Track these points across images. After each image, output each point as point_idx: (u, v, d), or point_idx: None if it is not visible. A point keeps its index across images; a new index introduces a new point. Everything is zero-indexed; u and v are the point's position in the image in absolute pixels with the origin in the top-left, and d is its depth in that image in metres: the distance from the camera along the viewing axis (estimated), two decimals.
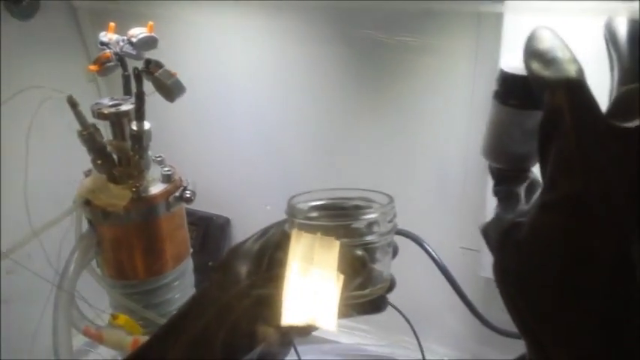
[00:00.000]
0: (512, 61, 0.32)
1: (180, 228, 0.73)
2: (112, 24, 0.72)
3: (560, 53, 0.28)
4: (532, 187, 0.34)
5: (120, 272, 0.72)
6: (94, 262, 0.74)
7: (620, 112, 0.27)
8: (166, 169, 0.71)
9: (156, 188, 0.69)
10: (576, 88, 0.27)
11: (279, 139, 0.93)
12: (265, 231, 0.45)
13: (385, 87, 0.80)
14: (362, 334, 0.97)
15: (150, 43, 0.69)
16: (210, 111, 0.95)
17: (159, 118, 0.68)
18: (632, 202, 0.25)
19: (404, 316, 0.84)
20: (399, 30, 0.74)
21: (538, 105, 0.28)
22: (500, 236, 0.31)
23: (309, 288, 0.38)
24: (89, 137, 0.66)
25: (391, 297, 0.85)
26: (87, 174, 0.72)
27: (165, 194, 0.69)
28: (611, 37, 0.31)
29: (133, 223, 0.68)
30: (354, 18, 0.77)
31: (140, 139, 0.66)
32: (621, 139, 0.26)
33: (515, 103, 0.32)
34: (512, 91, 0.32)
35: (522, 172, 0.35)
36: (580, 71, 0.27)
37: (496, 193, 0.36)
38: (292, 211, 0.42)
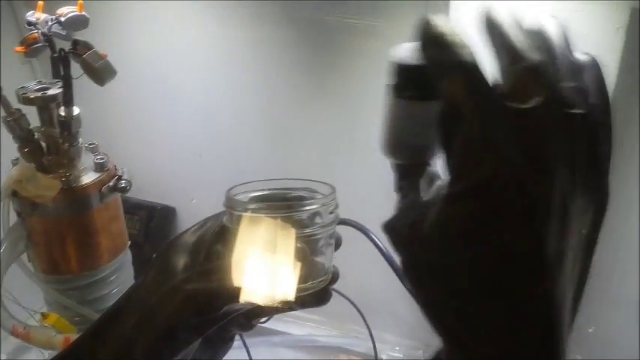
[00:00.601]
0: (405, 52, 0.30)
1: (116, 219, 0.70)
2: (40, 2, 0.67)
3: (455, 38, 0.27)
4: (431, 180, 0.33)
5: (52, 267, 0.68)
6: (25, 257, 0.70)
7: (513, 93, 0.26)
8: (99, 157, 0.67)
9: (88, 178, 0.66)
10: (474, 72, 0.26)
11: (224, 123, 0.90)
12: (203, 223, 0.44)
13: (331, 70, 0.78)
14: (313, 325, 0.96)
15: (80, 22, 0.65)
16: (150, 95, 0.91)
17: (95, 102, 0.64)
18: (544, 186, 0.25)
19: (355, 305, 0.84)
20: (345, 12, 0.71)
21: (434, 95, 0.27)
22: (405, 232, 0.29)
23: (265, 269, 0.38)
24: (14, 124, 0.62)
25: (341, 287, 0.85)
26: (14, 163, 0.68)
27: (98, 184, 0.66)
28: (488, 23, 0.29)
29: (63, 215, 0.64)
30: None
31: (69, 126, 0.62)
32: (522, 120, 0.25)
33: (410, 94, 0.31)
34: (407, 83, 0.31)
35: (423, 166, 0.34)
36: (473, 55, 0.26)
37: (399, 189, 0.34)
38: (230, 203, 0.40)
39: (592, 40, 0.60)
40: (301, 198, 0.43)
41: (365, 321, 0.83)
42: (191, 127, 0.91)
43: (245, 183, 0.43)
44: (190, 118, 0.91)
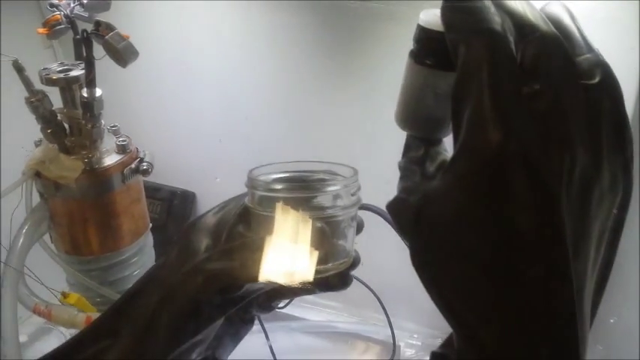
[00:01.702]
0: (432, 17, 0.29)
1: (138, 202, 0.70)
2: None
3: (482, 4, 0.25)
4: (437, 158, 0.32)
5: (74, 248, 0.68)
6: (47, 238, 0.71)
7: (527, 65, 0.25)
8: (122, 139, 0.67)
9: (110, 159, 0.66)
10: (495, 39, 0.24)
11: (246, 109, 0.89)
12: (225, 204, 0.43)
13: (353, 54, 0.77)
14: (331, 311, 0.97)
15: (102, 4, 0.65)
16: (172, 78, 0.90)
17: (117, 84, 0.63)
18: (558, 162, 0.23)
19: (373, 292, 0.84)
20: None
21: (454, 65, 0.26)
22: (410, 215, 0.28)
23: (285, 251, 0.37)
24: (38, 104, 0.62)
25: (360, 273, 0.85)
26: (37, 144, 0.68)
27: (120, 166, 0.66)
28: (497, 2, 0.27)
29: (86, 196, 0.65)
30: None
31: (91, 107, 0.62)
32: (537, 93, 0.24)
33: (430, 62, 0.29)
34: (429, 49, 0.29)
35: (434, 144, 0.32)
36: (501, 24, 0.25)
37: (403, 167, 0.33)
38: (252, 184, 0.39)
39: (607, 60, 0.59)
40: (322, 180, 0.43)
41: (383, 308, 0.83)
42: (211, 110, 0.91)
43: (267, 164, 0.43)
44: (211, 101, 0.90)
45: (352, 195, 0.40)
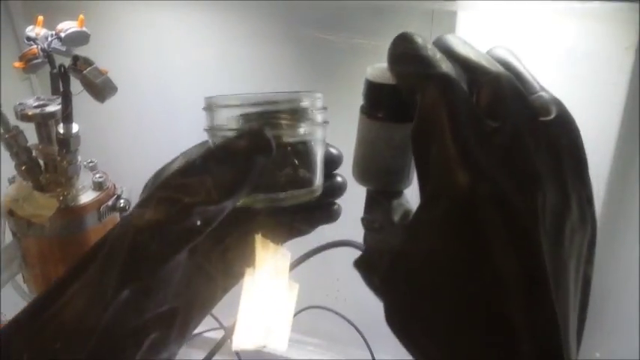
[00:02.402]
0: (378, 71, 0.29)
1: None
2: (40, 17, 0.66)
3: (430, 52, 0.26)
4: (402, 211, 0.31)
5: None
6: (20, 278, 0.68)
7: (482, 107, 0.25)
8: (98, 175, 0.65)
9: (86, 197, 0.64)
10: (450, 83, 0.24)
11: None
12: (188, 151, 0.40)
13: (336, 91, 0.77)
14: (313, 349, 0.94)
15: (80, 38, 0.63)
16: (152, 112, 0.89)
17: (95, 119, 0.62)
18: (528, 201, 0.23)
19: (357, 328, 0.82)
20: (349, 31, 0.70)
21: (407, 116, 0.26)
22: (382, 271, 0.27)
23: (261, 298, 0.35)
24: (12, 141, 0.61)
25: (344, 309, 0.84)
26: (11, 181, 0.66)
27: (97, 203, 0.64)
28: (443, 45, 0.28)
29: (60, 234, 0.62)
30: (305, 18, 0.73)
31: (67, 143, 0.61)
32: (498, 133, 0.24)
33: (382, 115, 0.30)
34: (379, 103, 0.30)
35: (395, 197, 0.32)
36: (451, 69, 0.25)
37: (366, 221, 0.32)
38: (210, 103, 0.36)
39: (600, 60, 0.60)
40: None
41: (368, 345, 0.81)
42: (194, 143, 0.89)
43: (224, 95, 0.37)
44: (193, 134, 0.89)
45: (316, 116, 0.35)
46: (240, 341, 0.34)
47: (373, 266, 0.29)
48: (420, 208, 0.25)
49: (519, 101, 0.25)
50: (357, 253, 0.63)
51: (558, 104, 0.26)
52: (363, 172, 0.32)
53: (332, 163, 0.37)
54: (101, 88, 0.57)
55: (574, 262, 0.25)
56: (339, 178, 0.37)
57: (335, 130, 0.75)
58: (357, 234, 0.55)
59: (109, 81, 0.58)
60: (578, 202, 0.25)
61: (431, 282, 0.24)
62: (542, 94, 0.27)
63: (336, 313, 0.83)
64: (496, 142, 0.24)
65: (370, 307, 0.78)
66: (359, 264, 0.30)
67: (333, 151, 0.37)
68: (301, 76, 0.78)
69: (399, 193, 0.32)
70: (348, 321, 0.83)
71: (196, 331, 0.89)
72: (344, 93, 0.78)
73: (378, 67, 0.29)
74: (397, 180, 0.31)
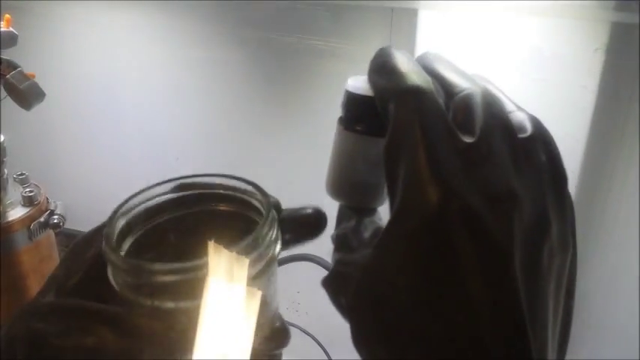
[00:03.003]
0: (360, 82, 0.28)
1: (49, 259, 0.62)
2: None
3: (407, 66, 0.25)
4: (374, 230, 0.30)
5: None
6: None
7: (457, 123, 0.24)
8: (29, 189, 0.59)
9: (15, 213, 0.58)
10: (423, 95, 0.24)
11: (175, 149, 0.83)
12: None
13: (292, 91, 0.73)
14: None
15: (7, 40, 0.57)
16: (93, 120, 0.84)
17: (27, 128, 0.57)
18: (501, 220, 0.22)
19: (320, 344, 0.79)
20: (304, 32, 0.67)
21: (384, 129, 0.26)
22: (349, 290, 0.25)
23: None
24: None
25: (306, 324, 0.81)
26: None
27: (27, 220, 0.58)
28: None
29: None
30: (254, 18, 0.69)
31: None
32: (471, 149, 0.23)
33: (360, 128, 0.29)
34: (358, 115, 0.29)
35: (368, 214, 0.31)
36: (429, 82, 0.25)
37: (336, 238, 0.30)
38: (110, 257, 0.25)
39: (569, 62, 0.58)
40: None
41: (329, 358, 0.78)
42: (138, 152, 0.84)
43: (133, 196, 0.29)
44: (137, 142, 0.84)
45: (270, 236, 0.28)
46: (201, 353, 0.30)
47: (340, 286, 0.27)
48: (388, 224, 0.23)
49: (496, 118, 0.24)
50: (318, 268, 0.62)
51: (534, 121, 0.26)
52: (337, 186, 0.31)
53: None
54: (26, 94, 0.52)
55: (553, 289, 0.24)
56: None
57: (291, 135, 0.71)
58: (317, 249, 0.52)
59: (35, 86, 0.53)
60: (557, 224, 0.24)
61: (398, 302, 0.23)
62: (519, 112, 0.26)
63: (298, 327, 0.80)
64: (470, 159, 0.23)
65: (332, 320, 0.75)
66: (326, 283, 0.28)
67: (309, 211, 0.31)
68: (252, 78, 0.74)
69: (372, 211, 0.31)
70: (310, 335, 0.79)
71: None
72: (301, 92, 0.75)
73: (359, 78, 0.28)
74: (372, 196, 0.30)
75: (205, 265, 0.25)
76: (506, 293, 0.22)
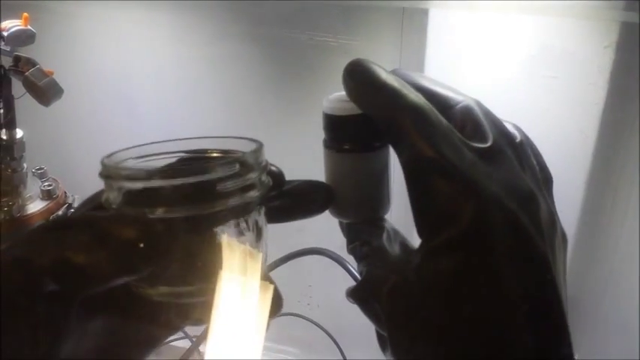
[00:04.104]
0: (336, 103, 0.28)
1: None
2: None
3: (397, 83, 0.25)
4: (390, 237, 0.30)
5: None
6: None
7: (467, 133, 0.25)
8: (47, 183, 0.61)
9: (34, 206, 0.59)
10: (432, 111, 0.24)
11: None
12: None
13: (302, 88, 0.73)
14: (287, 357, 0.91)
15: (25, 37, 0.59)
16: (108, 115, 0.85)
17: (45, 124, 0.58)
18: (535, 219, 0.23)
19: (331, 336, 0.80)
20: (317, 29, 0.68)
21: (375, 141, 0.27)
22: (384, 298, 0.25)
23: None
24: None
25: (317, 317, 0.81)
26: None
27: (46, 213, 0.60)
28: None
29: None
30: (269, 16, 0.69)
31: (11, 150, 0.56)
32: (490, 156, 0.24)
33: (349, 147, 0.29)
34: (344, 135, 0.29)
35: (378, 222, 0.31)
36: (421, 97, 0.25)
37: (353, 251, 0.30)
38: (110, 172, 0.27)
39: (579, 60, 0.58)
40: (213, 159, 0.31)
41: (341, 351, 0.79)
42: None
43: (130, 147, 0.30)
44: (151, 139, 0.85)
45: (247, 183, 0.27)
46: (214, 346, 0.30)
47: (371, 293, 0.27)
48: (426, 239, 0.24)
49: (497, 125, 0.25)
50: (329, 261, 0.62)
51: (519, 129, 0.27)
52: (342, 208, 0.31)
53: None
54: (45, 91, 0.53)
55: (561, 282, 0.25)
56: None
57: (303, 131, 0.71)
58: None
59: (54, 83, 0.54)
60: (558, 221, 0.25)
61: (435, 312, 0.23)
62: (504, 120, 0.27)
63: (309, 320, 0.81)
64: (491, 164, 0.24)
65: (343, 313, 0.76)
66: (354, 294, 0.28)
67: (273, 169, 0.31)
68: (266, 73, 0.74)
69: (380, 219, 0.31)
70: (321, 328, 0.80)
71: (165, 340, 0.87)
72: (311, 88, 0.76)
73: (334, 98, 0.28)
74: (380, 207, 0.31)
75: (201, 176, 0.25)
76: (551, 294, 0.22)
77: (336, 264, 0.61)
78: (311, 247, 0.63)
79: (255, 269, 0.31)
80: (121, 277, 0.23)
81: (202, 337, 0.63)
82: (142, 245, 0.23)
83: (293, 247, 0.62)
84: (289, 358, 0.91)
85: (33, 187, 0.61)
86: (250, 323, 0.31)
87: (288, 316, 0.78)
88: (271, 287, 0.29)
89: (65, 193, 0.63)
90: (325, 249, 0.62)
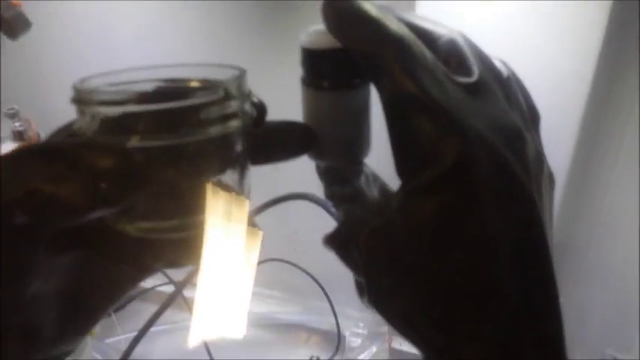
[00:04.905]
0: (314, 36, 0.26)
1: None
2: None
3: (381, 14, 0.23)
4: (369, 180, 0.29)
5: None
6: None
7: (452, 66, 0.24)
8: (19, 124, 0.58)
9: (5, 148, 0.57)
10: (415, 44, 0.23)
11: None
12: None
13: (287, 24, 0.70)
14: (272, 301, 0.92)
15: None
16: (85, 53, 0.80)
17: (18, 62, 0.55)
18: (522, 156, 0.22)
19: (316, 280, 0.81)
20: None
21: (355, 78, 0.26)
22: (364, 243, 0.24)
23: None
24: None
25: (303, 262, 0.81)
26: None
27: None
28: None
29: None
30: None
31: None
32: (475, 91, 0.23)
33: (329, 84, 0.27)
34: (324, 71, 0.27)
35: (357, 166, 0.30)
36: (406, 29, 0.24)
37: (332, 195, 0.29)
38: (82, 97, 0.24)
39: (568, 36, 0.57)
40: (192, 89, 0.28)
41: (327, 296, 0.80)
42: None
43: (106, 73, 0.28)
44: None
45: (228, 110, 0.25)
46: (203, 294, 0.28)
47: (350, 239, 0.26)
48: (407, 180, 0.23)
49: (483, 59, 0.24)
50: (315, 207, 0.61)
51: (506, 64, 0.26)
52: (320, 149, 0.29)
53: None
54: (12, 24, 0.50)
55: (547, 223, 0.24)
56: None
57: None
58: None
59: (21, 15, 0.50)
60: (545, 159, 0.25)
61: (420, 254, 0.22)
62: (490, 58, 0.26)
63: (295, 266, 0.81)
64: (477, 100, 0.22)
65: (329, 259, 0.76)
66: (332, 240, 0.27)
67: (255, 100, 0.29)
68: (247, 10, 0.71)
69: (359, 162, 0.30)
70: (307, 273, 0.81)
71: (149, 285, 0.86)
72: (293, 26, 0.73)
73: (312, 31, 0.26)
74: (359, 150, 0.29)
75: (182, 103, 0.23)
76: (537, 236, 0.22)
77: (322, 210, 0.59)
78: (296, 192, 0.62)
79: (242, 215, 0.30)
80: (96, 210, 0.22)
81: (185, 282, 0.63)
82: (118, 175, 0.21)
83: (277, 193, 0.60)
84: (274, 302, 0.91)
85: (4, 128, 0.59)
86: (238, 268, 0.30)
87: (275, 262, 0.79)
88: (260, 233, 0.28)
89: (38, 134, 0.60)
90: (310, 194, 0.61)
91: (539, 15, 0.57)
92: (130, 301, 0.86)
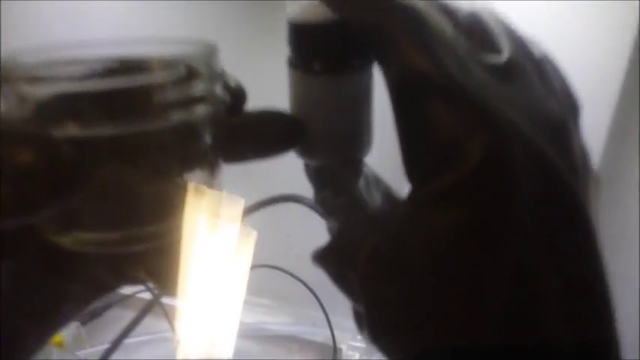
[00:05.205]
0: (303, 7, 0.22)
1: None
2: None
3: None
4: (369, 184, 0.26)
5: None
6: None
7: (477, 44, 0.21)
8: None
9: None
10: (429, 15, 0.20)
11: None
12: None
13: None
14: (263, 310, 0.88)
15: None
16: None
17: None
18: (565, 155, 0.19)
19: (311, 289, 0.78)
20: None
21: (353, 59, 0.23)
22: (363, 261, 0.21)
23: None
24: None
25: (297, 269, 0.77)
26: None
27: None
28: None
29: None
30: None
31: None
32: (502, 74, 0.19)
33: (321, 66, 0.23)
34: (315, 50, 0.23)
35: (355, 165, 0.26)
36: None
37: (322, 202, 0.26)
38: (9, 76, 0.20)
39: (599, 38, 0.54)
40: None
41: (322, 306, 0.77)
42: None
43: (41, 46, 0.23)
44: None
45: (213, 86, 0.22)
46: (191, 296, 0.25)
47: (344, 262, 0.22)
48: (420, 184, 0.20)
49: (513, 36, 0.21)
50: (307, 210, 0.56)
51: (539, 45, 0.23)
52: (310, 146, 0.25)
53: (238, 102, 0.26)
54: None
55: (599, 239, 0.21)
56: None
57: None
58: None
59: None
60: (590, 158, 0.22)
61: (437, 281, 0.19)
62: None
63: (287, 272, 0.79)
64: (505, 84, 0.19)
65: None
66: (323, 256, 0.24)
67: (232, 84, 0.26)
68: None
69: (357, 161, 0.26)
70: (300, 280, 0.78)
71: (128, 292, 0.82)
72: (267, 32, 0.65)
73: (296, 4, 0.23)
74: (357, 146, 0.26)
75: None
76: (591, 266, 0.18)
77: (314, 213, 0.56)
78: (286, 194, 0.61)
79: (234, 214, 0.25)
80: (17, 218, 0.19)
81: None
82: (42, 173, 0.18)
83: (267, 195, 0.58)
84: (265, 311, 0.88)
85: None
86: (229, 269, 0.25)
87: (265, 268, 0.75)
88: (254, 233, 0.25)
89: None
90: (303, 196, 0.59)
91: (569, 15, 0.54)
92: (106, 309, 0.80)
